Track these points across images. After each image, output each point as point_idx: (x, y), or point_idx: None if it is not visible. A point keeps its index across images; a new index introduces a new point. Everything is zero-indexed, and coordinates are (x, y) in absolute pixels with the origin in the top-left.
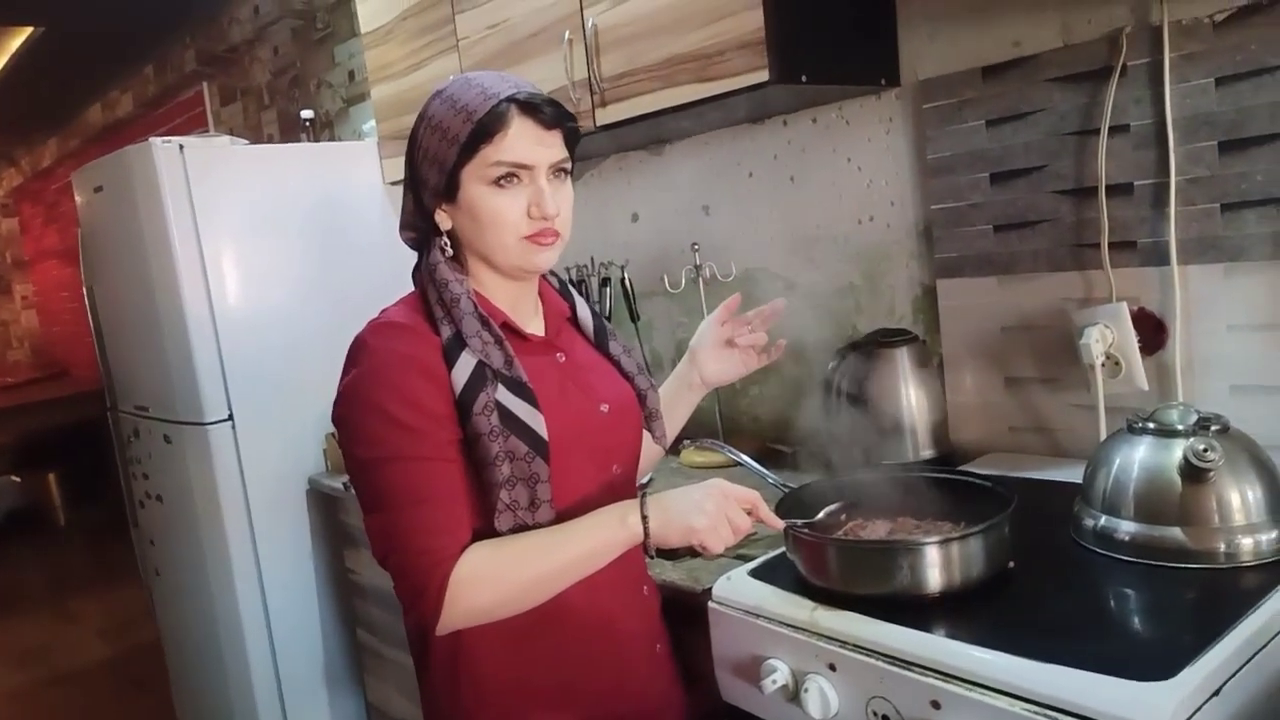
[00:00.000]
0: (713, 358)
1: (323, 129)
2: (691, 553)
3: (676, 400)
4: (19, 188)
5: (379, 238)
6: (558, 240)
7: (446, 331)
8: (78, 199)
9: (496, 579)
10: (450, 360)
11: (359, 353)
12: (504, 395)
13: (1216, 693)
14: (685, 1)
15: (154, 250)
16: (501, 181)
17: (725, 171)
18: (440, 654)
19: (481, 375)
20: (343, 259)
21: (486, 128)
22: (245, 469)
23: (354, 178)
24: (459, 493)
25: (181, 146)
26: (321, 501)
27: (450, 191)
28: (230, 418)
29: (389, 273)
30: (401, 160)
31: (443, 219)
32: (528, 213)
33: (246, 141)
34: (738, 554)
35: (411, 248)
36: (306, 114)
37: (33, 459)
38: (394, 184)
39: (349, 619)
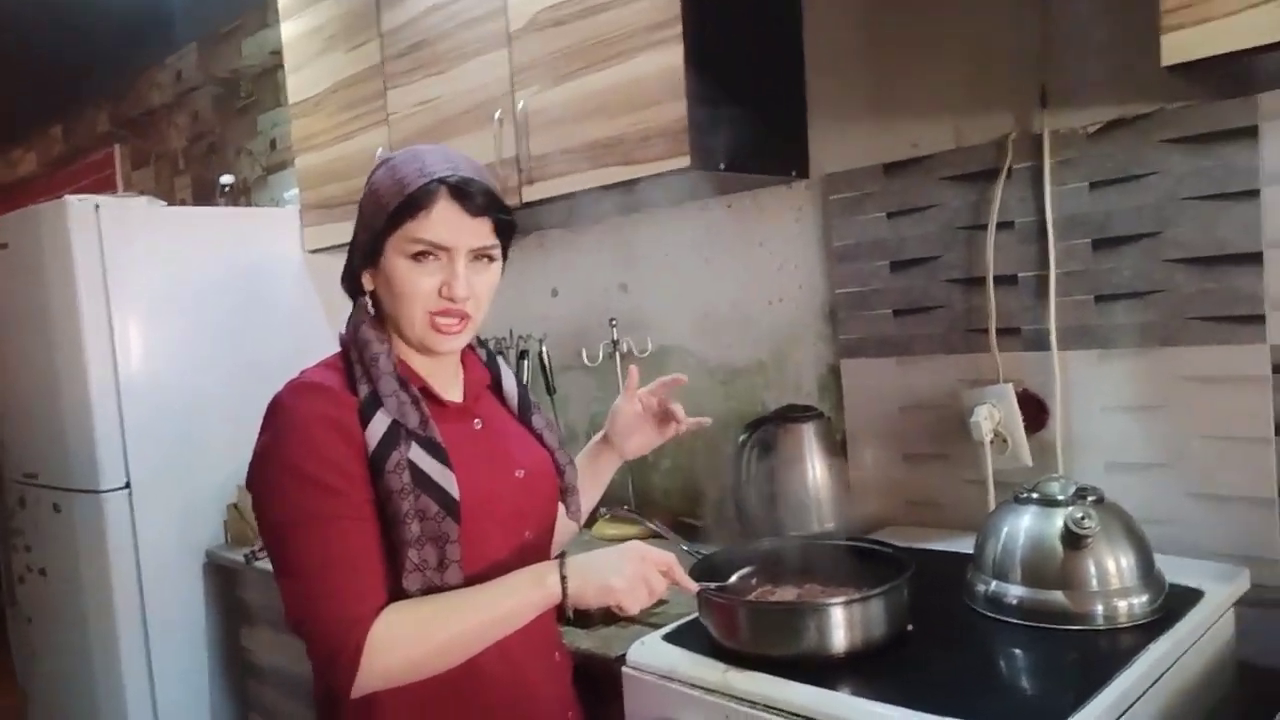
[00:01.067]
0: (629, 430)
1: (239, 196)
2: (608, 618)
3: (593, 473)
4: None
5: (295, 305)
6: (466, 324)
7: (364, 390)
8: None
9: (411, 641)
10: (365, 419)
11: (276, 413)
12: (417, 454)
13: None
14: (613, 89)
15: (59, 310)
16: (418, 257)
17: (643, 251)
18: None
19: (395, 434)
20: (257, 326)
21: (413, 203)
22: (140, 539)
23: (274, 245)
24: (374, 554)
25: (97, 206)
26: (219, 575)
27: (373, 257)
28: (127, 485)
29: (302, 341)
30: (322, 229)
31: (367, 281)
32: (439, 291)
33: (164, 203)
34: (650, 620)
35: (348, 295)
36: (226, 179)
37: None
38: (314, 252)
39: (242, 702)
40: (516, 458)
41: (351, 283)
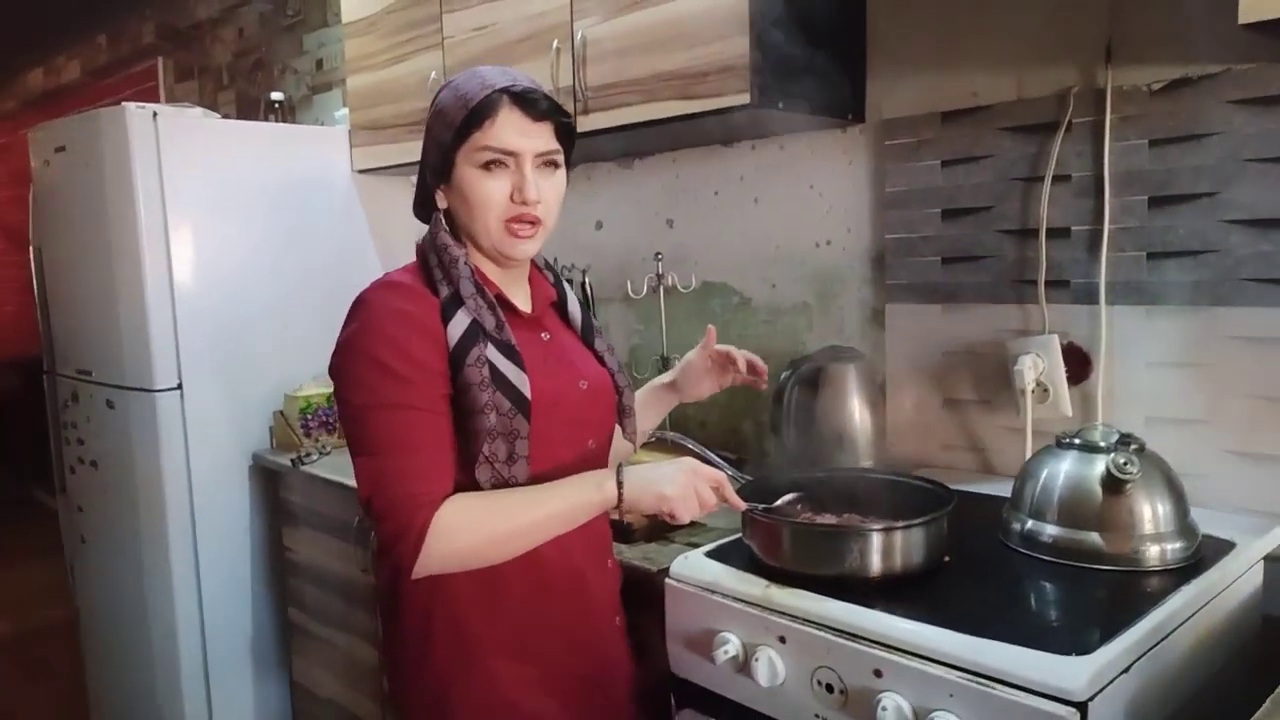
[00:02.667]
0: (698, 379)
1: (286, 114)
2: (652, 532)
3: (652, 403)
4: None
5: (343, 224)
6: (537, 229)
7: (445, 291)
8: (33, 158)
9: (475, 527)
10: (446, 317)
11: (360, 308)
12: (493, 354)
13: (1126, 670)
14: (674, 22)
15: (116, 215)
16: (489, 166)
17: (692, 188)
18: (415, 600)
19: (475, 332)
20: (305, 241)
21: (478, 114)
22: (190, 439)
23: (324, 163)
24: (445, 444)
25: (155, 114)
26: (264, 478)
27: (446, 172)
28: (179, 387)
29: (350, 258)
30: (372, 150)
31: (440, 198)
32: (510, 197)
33: (219, 115)
34: (689, 540)
35: (422, 221)
36: (276, 96)
37: None
38: (362, 172)
39: (281, 597)
40: (580, 370)
41: (425, 204)
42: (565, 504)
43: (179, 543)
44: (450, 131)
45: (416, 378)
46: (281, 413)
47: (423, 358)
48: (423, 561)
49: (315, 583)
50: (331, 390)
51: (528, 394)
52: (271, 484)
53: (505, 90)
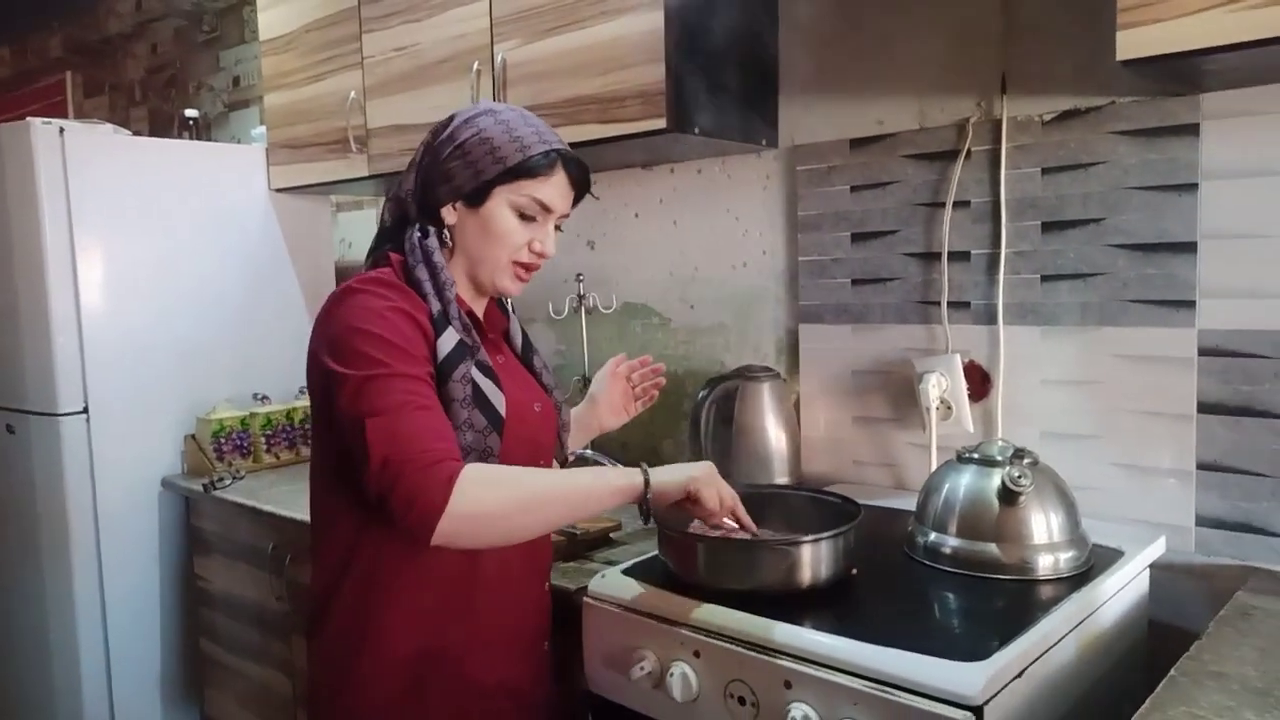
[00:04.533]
0: (612, 401)
1: (201, 131)
2: (575, 548)
3: (580, 426)
4: None
5: (259, 243)
6: (532, 275)
7: (435, 305)
8: None
9: (505, 483)
10: (438, 330)
11: (346, 297)
12: (475, 373)
13: (1020, 675)
14: (593, 48)
15: (19, 233)
16: (525, 213)
17: (612, 210)
18: (346, 619)
19: (462, 351)
20: (220, 260)
21: (537, 166)
22: (96, 465)
23: (240, 181)
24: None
25: (62, 129)
26: (175, 504)
27: (476, 198)
28: (85, 410)
29: (266, 278)
30: (290, 169)
31: (449, 215)
32: (530, 245)
33: (131, 132)
34: (606, 559)
35: (385, 222)
36: (192, 113)
37: None
38: (280, 191)
39: (192, 628)
40: (533, 393)
41: (426, 213)
42: (588, 482)
43: (83, 574)
44: (499, 167)
45: (416, 354)
46: (193, 436)
47: (418, 346)
48: (444, 522)
49: (228, 612)
50: (245, 414)
51: (503, 412)
52: (183, 511)
53: (561, 153)
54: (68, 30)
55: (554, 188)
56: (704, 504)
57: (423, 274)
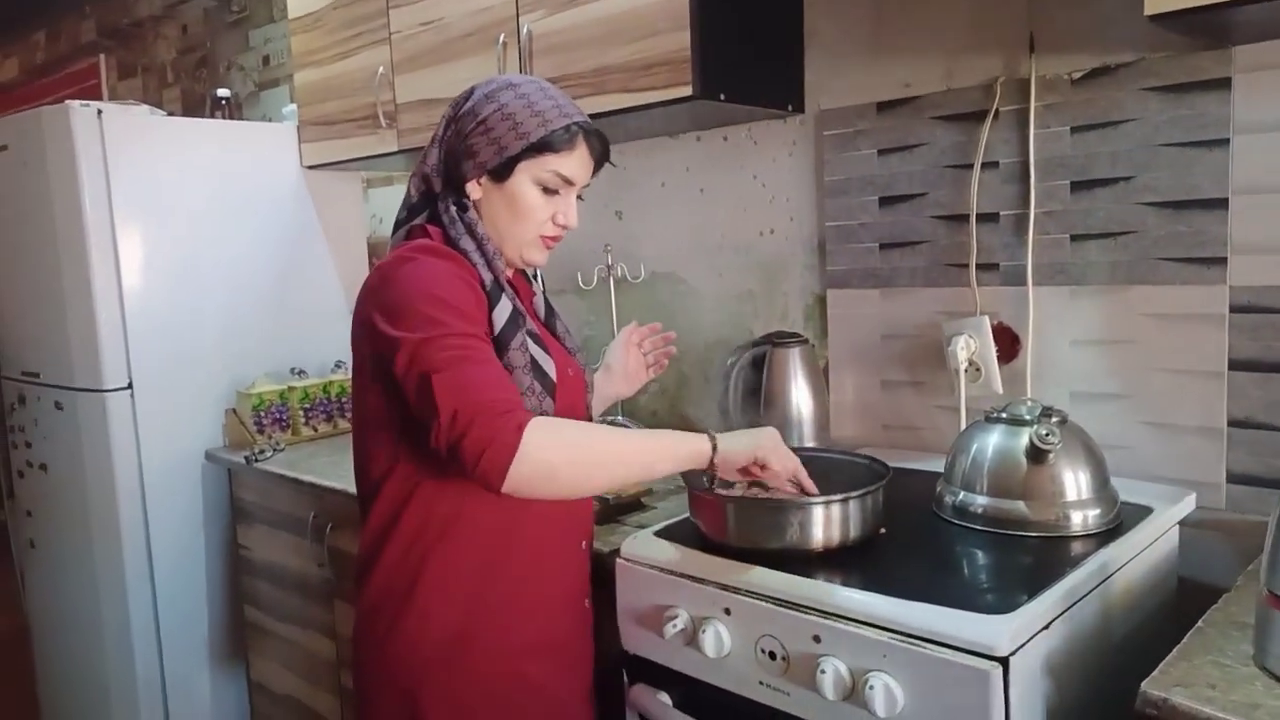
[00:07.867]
0: (627, 369)
1: (233, 111)
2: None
3: (598, 392)
4: None
5: (292, 219)
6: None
7: (487, 277)
8: None
9: (570, 441)
10: (493, 300)
11: (400, 264)
12: (529, 342)
13: (1046, 627)
14: (618, 16)
15: (62, 215)
16: (548, 187)
17: (640, 179)
18: (390, 575)
19: (516, 319)
20: (255, 237)
21: (559, 140)
22: (141, 439)
23: (272, 159)
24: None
25: (100, 111)
26: (217, 476)
27: (500, 173)
28: (129, 386)
29: (300, 254)
30: (319, 146)
31: (474, 189)
32: (552, 218)
33: (165, 113)
34: (638, 522)
35: (411, 197)
36: (223, 93)
37: None
38: (312, 168)
39: (236, 596)
40: (563, 357)
41: (452, 187)
42: (658, 444)
43: (132, 544)
44: (522, 142)
45: (475, 316)
46: (234, 410)
47: (477, 311)
48: (516, 467)
49: (271, 580)
50: (283, 388)
51: (554, 377)
52: (225, 482)
53: (582, 126)
54: (99, 14)
55: (576, 161)
56: (773, 468)
57: (468, 244)
